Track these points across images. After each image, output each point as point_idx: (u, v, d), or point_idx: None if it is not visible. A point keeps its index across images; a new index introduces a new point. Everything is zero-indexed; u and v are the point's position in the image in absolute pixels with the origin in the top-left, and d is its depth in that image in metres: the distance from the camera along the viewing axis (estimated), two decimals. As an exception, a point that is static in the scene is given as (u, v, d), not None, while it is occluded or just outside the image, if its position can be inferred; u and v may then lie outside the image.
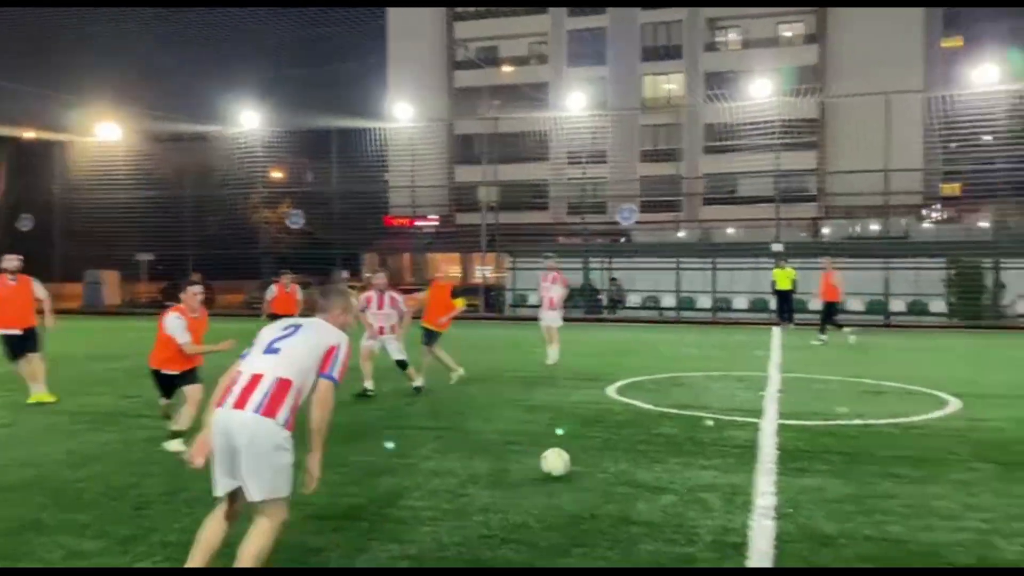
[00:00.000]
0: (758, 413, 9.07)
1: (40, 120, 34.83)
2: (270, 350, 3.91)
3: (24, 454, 7.15)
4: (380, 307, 10.74)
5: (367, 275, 42.25)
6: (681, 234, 39.45)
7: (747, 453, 7.14)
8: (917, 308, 26.32)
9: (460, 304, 12.14)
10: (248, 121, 32.53)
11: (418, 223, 42.28)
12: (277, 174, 40.38)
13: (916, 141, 31.36)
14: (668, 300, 29.35)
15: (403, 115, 32.72)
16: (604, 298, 30.27)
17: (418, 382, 10.82)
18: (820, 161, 39.95)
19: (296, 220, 32.09)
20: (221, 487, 3.76)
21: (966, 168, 31.23)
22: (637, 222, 31.73)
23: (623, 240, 37.89)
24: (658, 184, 38.54)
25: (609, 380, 11.71)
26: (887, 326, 24.88)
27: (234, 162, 33.39)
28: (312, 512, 5.40)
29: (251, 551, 3.68)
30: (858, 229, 36.80)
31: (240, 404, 3.70)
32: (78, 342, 17.20)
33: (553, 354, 13.77)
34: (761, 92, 28.30)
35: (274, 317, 15.45)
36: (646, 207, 36.08)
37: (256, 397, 3.72)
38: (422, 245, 40.94)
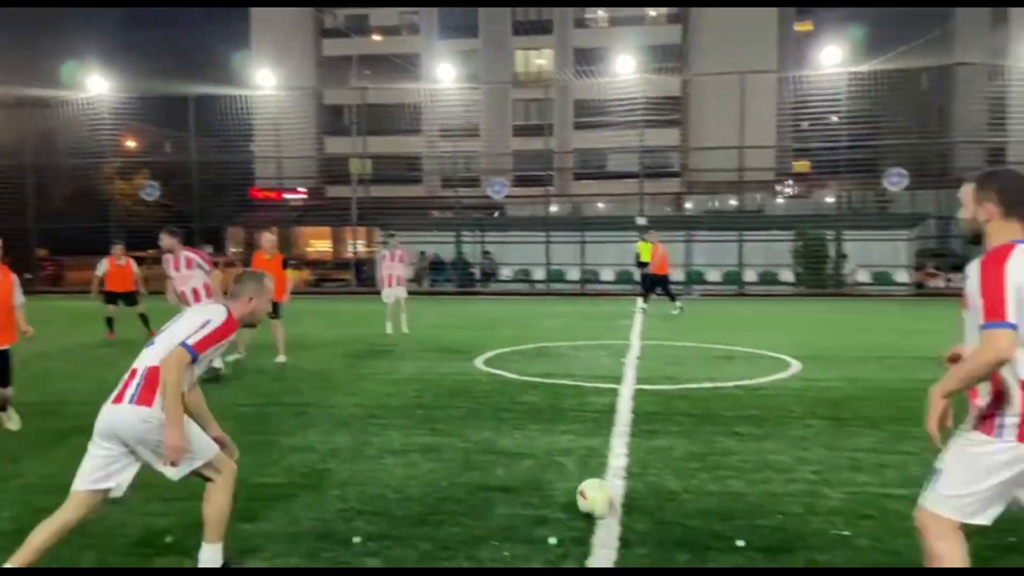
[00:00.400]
0: (618, 379, 9.39)
1: None
2: (149, 343, 3.86)
3: None
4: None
5: (232, 250, 40.77)
6: (552, 208, 40.15)
7: (604, 418, 7.39)
8: (768, 278, 27.94)
9: (292, 275, 11.52)
10: (97, 86, 30.42)
11: (286, 196, 40.98)
12: (131, 143, 38.04)
13: (771, 120, 33.09)
14: (539, 273, 29.86)
15: (267, 83, 31.48)
16: (477, 271, 30.43)
17: (280, 358, 10.62)
18: (683, 138, 41.45)
19: (151, 192, 30.39)
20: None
21: (814, 146, 33.26)
22: (509, 196, 32.01)
23: (496, 214, 38.14)
24: (530, 159, 38.95)
25: (478, 352, 11.81)
26: (741, 295, 26.29)
27: (82, 130, 31.17)
28: (159, 493, 5.18)
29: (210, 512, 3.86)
30: (717, 204, 38.56)
31: (118, 399, 3.72)
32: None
33: (405, 321, 14.18)
34: (627, 69, 29.00)
35: (110, 296, 14.58)
36: (518, 181, 36.43)
37: (130, 390, 3.71)
38: (291, 219, 39.73)
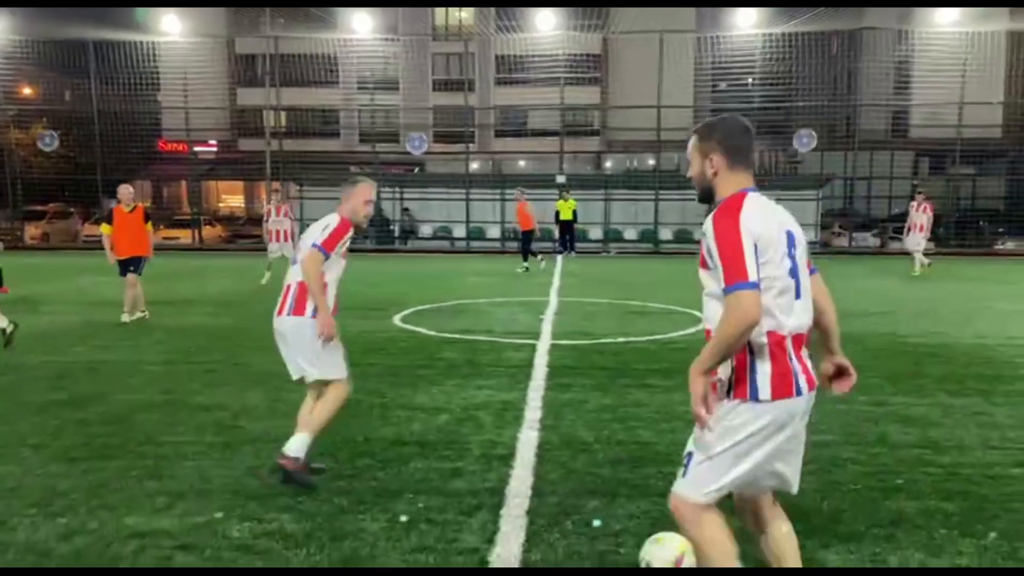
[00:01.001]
0: (535, 335, 9.51)
1: None
2: (292, 260, 4.82)
3: None
4: None
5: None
6: (473, 165, 39.92)
7: (521, 372, 7.49)
8: (683, 236, 28.59)
9: (151, 229, 10.83)
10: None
11: (197, 148, 39.41)
12: (27, 90, 35.85)
13: (688, 80, 33.51)
14: (459, 231, 29.76)
15: (173, 28, 30.03)
16: (396, 229, 30.12)
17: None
18: (603, 97, 41.63)
19: (50, 142, 28.83)
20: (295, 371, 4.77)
21: (730, 107, 33.91)
22: (429, 152, 31.65)
23: (416, 170, 37.68)
24: (450, 114, 38.47)
25: (396, 309, 11.75)
26: (656, 253, 26.85)
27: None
28: (59, 454, 5.03)
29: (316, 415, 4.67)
30: (636, 163, 39.05)
31: (280, 311, 4.72)
32: None
33: None
34: (547, 25, 28.84)
35: None
36: (438, 138, 35.97)
37: (287, 303, 4.68)
38: (200, 172, 38.30)
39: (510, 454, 5.11)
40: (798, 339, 2.64)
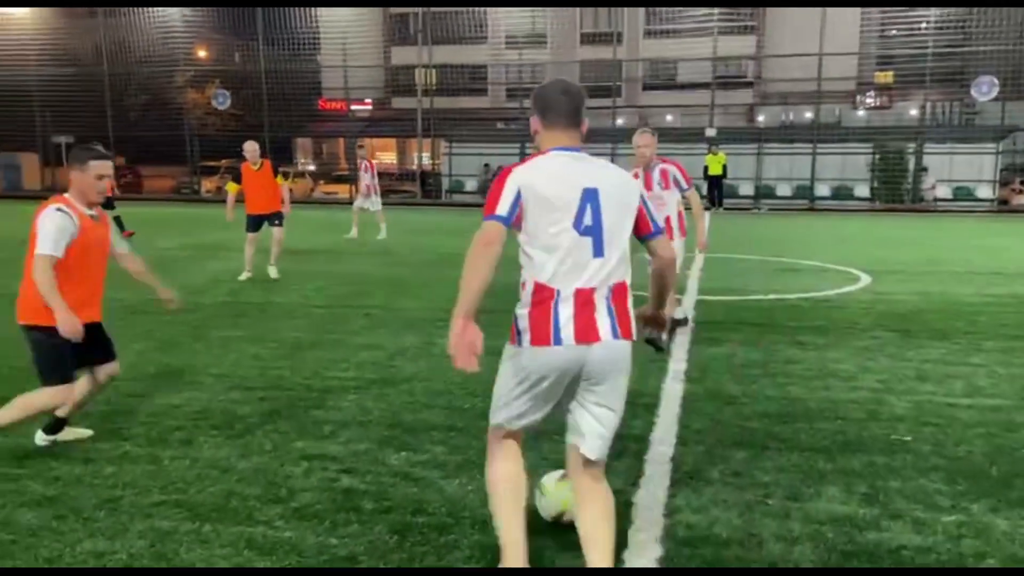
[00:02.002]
0: (681, 290, 9.37)
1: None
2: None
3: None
4: None
5: (301, 161, 41.35)
6: (620, 120, 39.32)
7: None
8: (842, 193, 27.08)
9: (282, 182, 10.58)
10: (167, -6, 30.65)
11: (353, 107, 41.04)
12: (202, 53, 38.44)
13: (853, 27, 31.39)
14: (604, 186, 29.49)
15: (332, -10, 31.19)
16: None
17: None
18: (758, 45, 39.74)
19: (222, 100, 30.85)
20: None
21: (899, 54, 31.55)
22: (575, 107, 31.40)
23: (561, 125, 37.50)
24: (597, 68, 37.95)
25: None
26: (811, 210, 25.60)
27: (155, 38, 31.60)
28: (239, 383, 5.51)
29: None
30: (792, 116, 37.17)
31: None
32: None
33: (383, 228, 15.70)
34: (702, -28, 27.72)
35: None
36: (585, 92, 35.59)
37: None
38: (356, 130, 39.90)
39: (654, 403, 5.13)
40: (583, 293, 2.69)
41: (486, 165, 29.93)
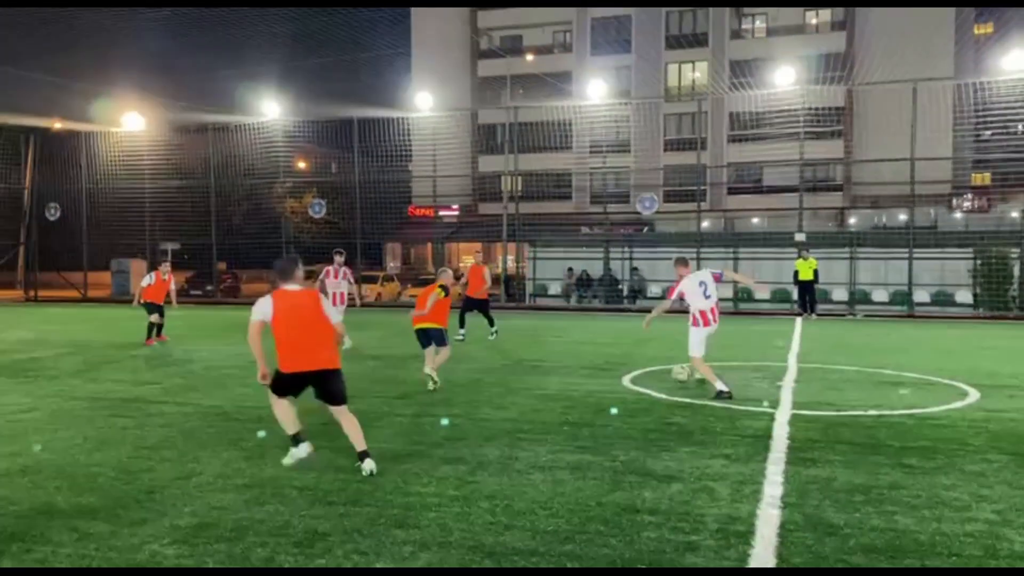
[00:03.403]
0: (774, 403, 9.01)
1: (65, 111, 35.33)
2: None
3: (41, 439, 7.28)
4: None
5: (391, 264, 42.57)
6: (705, 224, 39.24)
7: (759, 443, 7.10)
8: (942, 299, 25.95)
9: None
10: (270, 110, 32.70)
11: (441, 213, 42.34)
12: (301, 164, 40.64)
13: (945, 130, 30.83)
14: (690, 290, 29.13)
15: (426, 104, 32.68)
16: (624, 288, 30.15)
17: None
18: (847, 150, 39.45)
19: (318, 209, 32.30)
20: None
21: (996, 157, 30.67)
22: (659, 212, 31.53)
23: (645, 230, 37.71)
24: (681, 173, 38.27)
25: (626, 370, 11.71)
26: (911, 316, 24.57)
27: (257, 152, 33.61)
28: (320, 496, 5.47)
29: None
30: (884, 219, 36.33)
31: None
32: (102, 330, 17.45)
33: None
34: (786, 80, 27.91)
35: (150, 306, 15.20)
36: (669, 197, 35.84)
37: None
38: (444, 235, 41.02)
39: (749, 531, 4.83)
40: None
41: (569, 269, 30.08)
